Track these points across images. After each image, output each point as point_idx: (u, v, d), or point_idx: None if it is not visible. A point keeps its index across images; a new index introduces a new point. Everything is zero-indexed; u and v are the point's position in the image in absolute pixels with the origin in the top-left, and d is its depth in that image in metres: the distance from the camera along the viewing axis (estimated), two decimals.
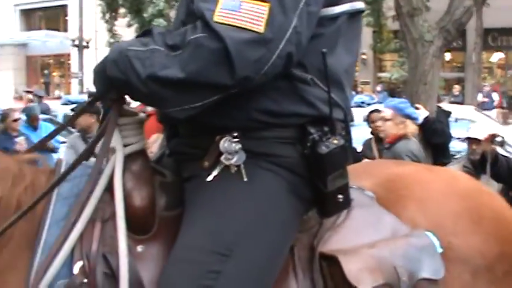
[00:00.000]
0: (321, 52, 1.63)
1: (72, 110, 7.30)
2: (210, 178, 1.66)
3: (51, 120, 11.66)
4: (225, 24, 1.50)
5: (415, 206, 1.95)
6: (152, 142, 2.65)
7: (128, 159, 1.73)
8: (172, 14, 17.83)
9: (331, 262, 1.75)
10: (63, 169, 1.74)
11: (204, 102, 1.56)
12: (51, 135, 1.96)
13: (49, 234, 1.63)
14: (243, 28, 1.50)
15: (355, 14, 1.79)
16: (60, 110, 14.43)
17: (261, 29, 1.51)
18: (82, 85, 24.60)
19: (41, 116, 10.11)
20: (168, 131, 1.88)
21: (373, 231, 1.86)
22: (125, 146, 1.74)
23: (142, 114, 1.79)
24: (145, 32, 1.70)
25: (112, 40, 22.58)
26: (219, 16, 1.51)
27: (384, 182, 2.03)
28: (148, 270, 1.66)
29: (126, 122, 1.75)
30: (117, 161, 1.71)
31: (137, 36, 1.71)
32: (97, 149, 1.75)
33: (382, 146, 6.10)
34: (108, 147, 1.71)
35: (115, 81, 1.61)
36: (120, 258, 1.61)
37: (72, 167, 1.72)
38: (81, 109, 2.15)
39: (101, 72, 1.65)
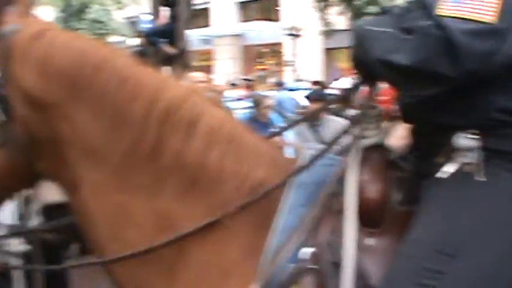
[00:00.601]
0: None
1: (307, 97, 7.34)
2: (442, 175, 1.60)
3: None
4: (449, 17, 1.44)
5: None
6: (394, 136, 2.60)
7: (366, 152, 1.72)
8: (385, 1, 17.60)
9: None
10: (303, 157, 1.78)
11: (423, 91, 1.54)
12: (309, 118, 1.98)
13: (286, 219, 1.68)
14: (470, 19, 1.43)
15: None
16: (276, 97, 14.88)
17: (491, 19, 1.42)
18: (295, 73, 25.31)
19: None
20: (411, 127, 1.83)
21: None
22: (363, 138, 1.73)
23: (381, 107, 1.77)
24: (384, 10, 1.70)
25: (324, 28, 22.90)
26: (443, 9, 1.46)
27: None
28: (374, 264, 1.64)
29: (366, 115, 1.75)
30: (354, 154, 1.71)
31: (377, 14, 1.71)
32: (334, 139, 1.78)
33: None
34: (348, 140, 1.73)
35: (356, 59, 1.64)
36: (346, 249, 1.61)
37: (315, 158, 1.76)
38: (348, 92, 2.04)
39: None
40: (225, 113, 1.87)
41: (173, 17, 11.45)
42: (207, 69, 27.86)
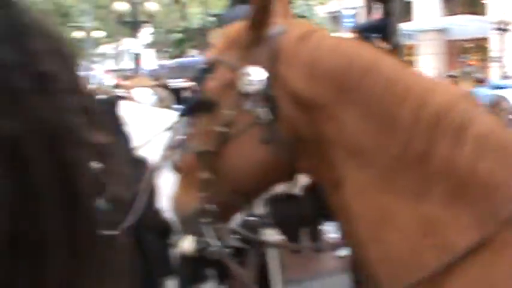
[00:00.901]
0: None
1: None
2: None
3: None
4: None
5: None
6: None
7: None
8: None
9: None
10: None
11: None
12: None
13: None
14: None
15: None
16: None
17: None
18: (502, 70, 24.26)
19: None
20: None
21: None
22: None
23: None
24: None
25: None
26: None
27: None
28: None
29: None
30: None
31: None
32: None
33: None
34: None
35: None
36: None
37: None
38: None
39: None
40: (494, 120, 1.82)
41: (387, 12, 11.61)
42: (410, 65, 27.60)
